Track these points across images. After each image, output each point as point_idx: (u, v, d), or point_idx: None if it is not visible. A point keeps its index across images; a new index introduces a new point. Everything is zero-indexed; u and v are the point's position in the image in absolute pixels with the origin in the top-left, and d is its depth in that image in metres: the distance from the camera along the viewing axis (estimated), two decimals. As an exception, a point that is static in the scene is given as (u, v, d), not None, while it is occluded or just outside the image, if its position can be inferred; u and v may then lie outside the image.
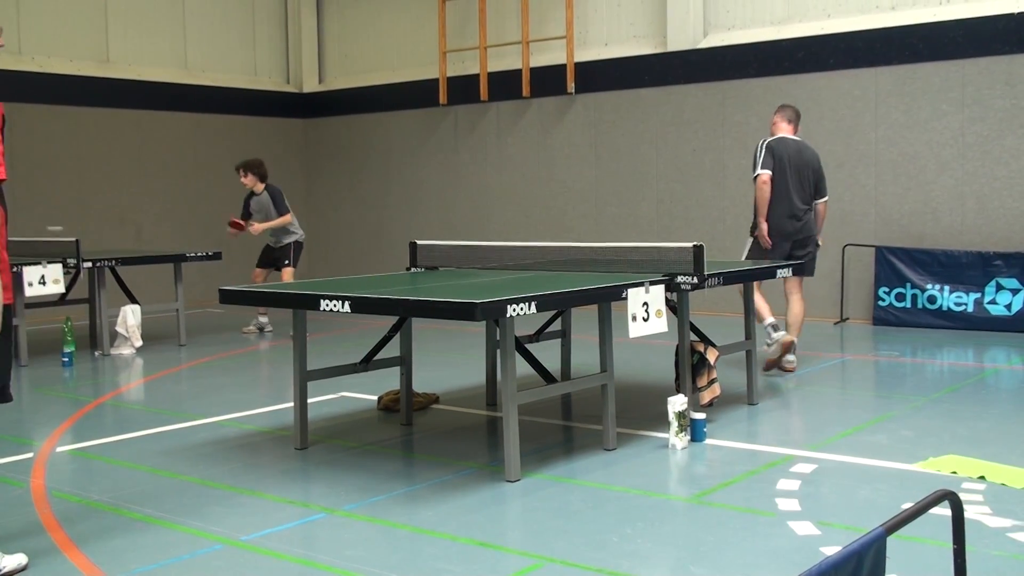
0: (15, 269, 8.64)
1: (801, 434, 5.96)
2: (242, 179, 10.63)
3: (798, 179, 7.93)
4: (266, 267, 10.85)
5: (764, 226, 7.82)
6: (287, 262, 10.64)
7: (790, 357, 7.77)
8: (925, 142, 10.42)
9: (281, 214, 10.49)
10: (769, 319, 7.87)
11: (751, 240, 8.06)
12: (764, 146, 7.91)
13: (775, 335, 7.79)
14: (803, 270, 7.61)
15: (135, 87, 13.61)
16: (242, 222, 10.57)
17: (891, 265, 10.42)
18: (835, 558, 1.93)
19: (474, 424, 6.52)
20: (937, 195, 10.38)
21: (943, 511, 2.50)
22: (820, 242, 8.22)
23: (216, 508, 4.65)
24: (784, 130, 8.08)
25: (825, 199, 8.15)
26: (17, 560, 3.88)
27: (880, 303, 10.50)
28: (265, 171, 10.66)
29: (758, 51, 11.44)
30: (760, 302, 7.77)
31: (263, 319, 10.95)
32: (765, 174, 7.80)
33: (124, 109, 13.46)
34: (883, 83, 10.64)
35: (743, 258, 8.09)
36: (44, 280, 8.65)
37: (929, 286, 10.18)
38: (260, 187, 10.60)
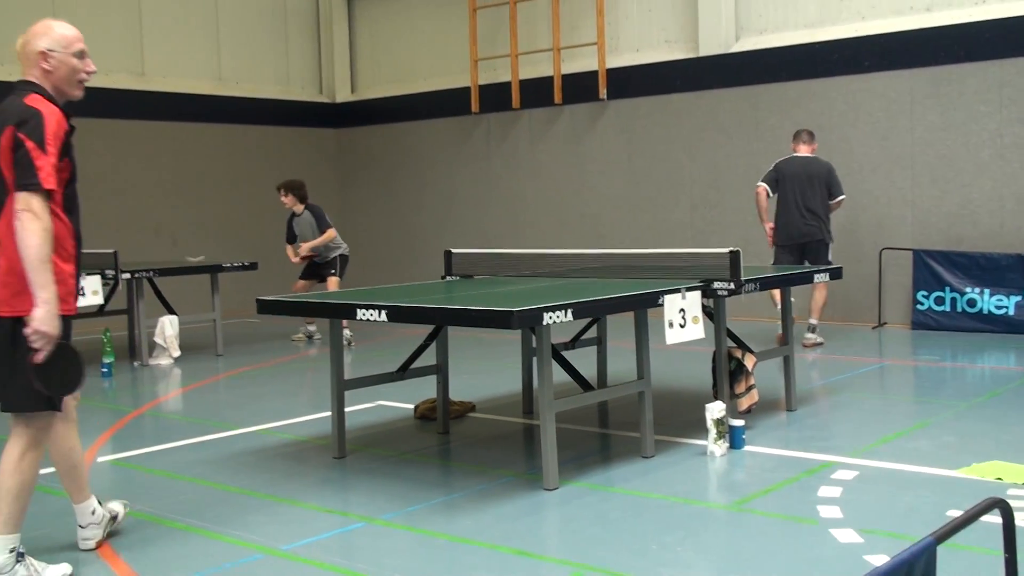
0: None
1: (841, 440, 5.90)
2: (282, 198, 10.71)
3: (804, 191, 9.33)
4: (309, 278, 10.92)
5: (767, 227, 9.55)
6: (333, 271, 10.71)
7: (809, 336, 9.43)
8: (962, 144, 10.31)
9: (323, 231, 10.55)
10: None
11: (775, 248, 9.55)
12: (774, 165, 9.55)
13: (808, 336, 9.47)
14: (839, 274, 7.56)
15: (170, 99, 13.75)
16: (303, 256, 10.68)
17: (929, 268, 10.30)
18: (885, 568, 1.91)
19: (511, 432, 6.51)
20: (975, 197, 10.26)
21: (992, 519, 2.47)
22: (832, 235, 9.54)
23: (256, 517, 4.67)
24: (800, 151, 9.54)
25: (839, 198, 9.53)
26: (61, 570, 3.92)
27: (919, 307, 10.39)
28: (305, 192, 10.74)
29: (791, 54, 11.37)
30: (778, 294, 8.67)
31: (311, 327, 11.06)
32: (760, 186, 9.56)
33: (159, 121, 13.60)
34: (919, 85, 10.54)
35: (772, 264, 9.31)
36: (83, 291, 8.73)
37: (969, 289, 10.06)
38: (300, 207, 10.67)
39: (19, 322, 3.69)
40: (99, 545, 4.26)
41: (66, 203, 3.83)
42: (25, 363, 3.67)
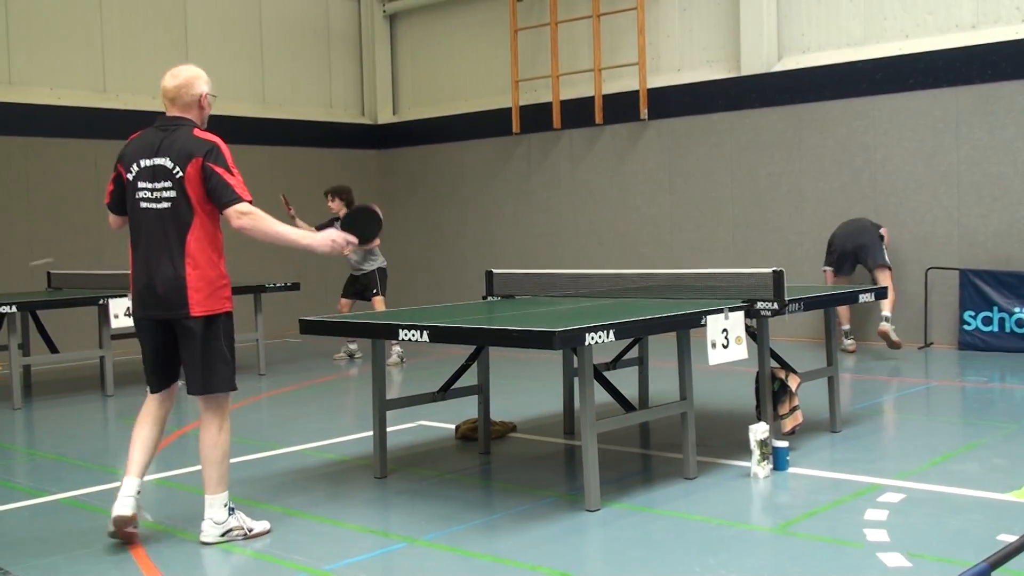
0: (101, 301, 8.88)
1: (888, 462, 5.82)
2: (329, 203, 10.85)
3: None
4: (352, 297, 10.98)
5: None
6: (375, 291, 10.75)
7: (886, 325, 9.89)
8: (1010, 162, 10.17)
9: None
10: (845, 325, 10.43)
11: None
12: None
13: (846, 341, 10.38)
14: (884, 294, 7.43)
15: (215, 121, 13.62)
16: (288, 201, 10.79)
17: (976, 288, 10.16)
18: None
19: (552, 453, 6.49)
20: (1023, 216, 10.12)
21: (1045, 544, 2.42)
22: (883, 234, 10.37)
23: (299, 537, 4.69)
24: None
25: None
26: (263, 526, 4.59)
27: (965, 327, 10.24)
28: (352, 197, 10.90)
29: (835, 73, 11.30)
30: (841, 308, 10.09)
31: (352, 346, 11.13)
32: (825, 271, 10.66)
33: (205, 143, 13.75)
34: (964, 103, 10.43)
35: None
36: (129, 312, 8.82)
37: (1017, 309, 9.90)
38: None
39: (211, 319, 4.52)
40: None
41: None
42: (215, 353, 4.52)
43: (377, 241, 10.65)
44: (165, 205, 4.48)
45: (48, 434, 7.67)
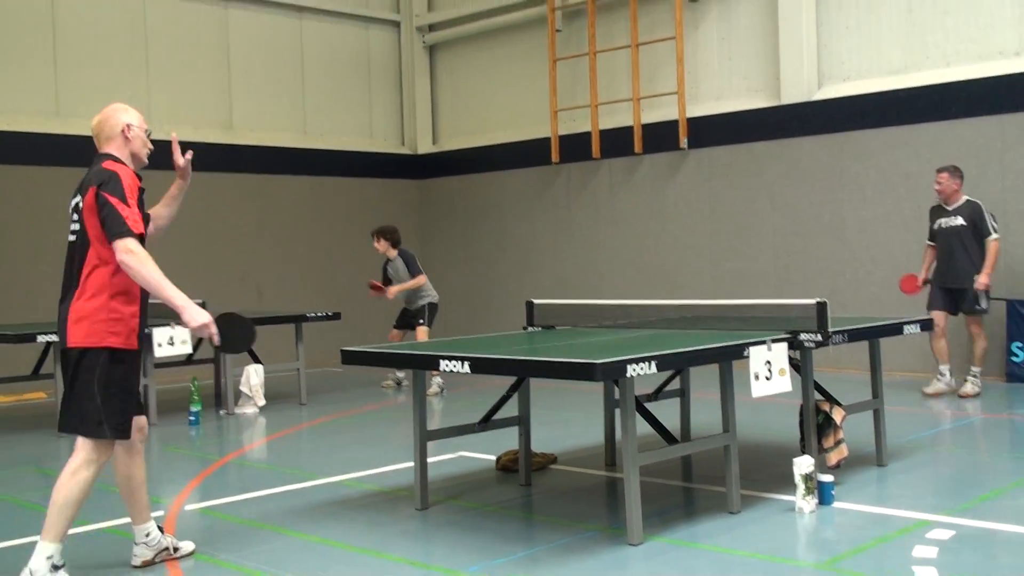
0: (147, 330, 8.95)
1: (936, 498, 5.72)
2: (375, 244, 10.91)
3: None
4: (403, 328, 11.11)
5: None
6: (421, 321, 10.81)
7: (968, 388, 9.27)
8: (1057, 190, 10.04)
9: (414, 276, 10.69)
10: (943, 364, 9.45)
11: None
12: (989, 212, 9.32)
13: (943, 380, 9.41)
14: (929, 325, 7.30)
15: (257, 152, 14.08)
16: (381, 285, 10.83)
17: (1024, 319, 9.99)
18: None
19: (593, 485, 6.44)
20: (1071, 245, 9.96)
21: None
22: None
23: (340, 568, 4.68)
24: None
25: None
26: None
27: (1014, 359, 10.07)
28: (398, 237, 10.93)
29: (876, 101, 11.22)
30: (940, 349, 9.38)
31: (400, 374, 11.20)
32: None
33: (246, 173, 13.93)
34: (1009, 130, 10.31)
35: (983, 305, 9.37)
36: (172, 341, 8.93)
37: (1066, 340, 9.72)
38: (393, 252, 10.85)
39: (85, 353, 4.33)
40: (145, 564, 4.69)
41: None
42: (81, 390, 4.32)
43: (423, 278, 10.73)
44: (73, 237, 4.45)
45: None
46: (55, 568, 4.27)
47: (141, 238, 4.33)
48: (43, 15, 12.34)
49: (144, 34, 13.11)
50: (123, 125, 4.57)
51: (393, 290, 10.75)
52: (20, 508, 6.18)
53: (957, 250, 9.28)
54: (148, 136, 4.69)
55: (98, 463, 4.38)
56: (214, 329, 4.39)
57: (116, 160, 4.49)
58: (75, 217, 4.45)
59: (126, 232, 4.24)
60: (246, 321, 4.64)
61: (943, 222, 9.37)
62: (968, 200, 9.32)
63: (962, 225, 9.24)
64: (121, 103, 4.70)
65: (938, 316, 9.23)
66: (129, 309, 4.40)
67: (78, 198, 4.45)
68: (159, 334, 8.84)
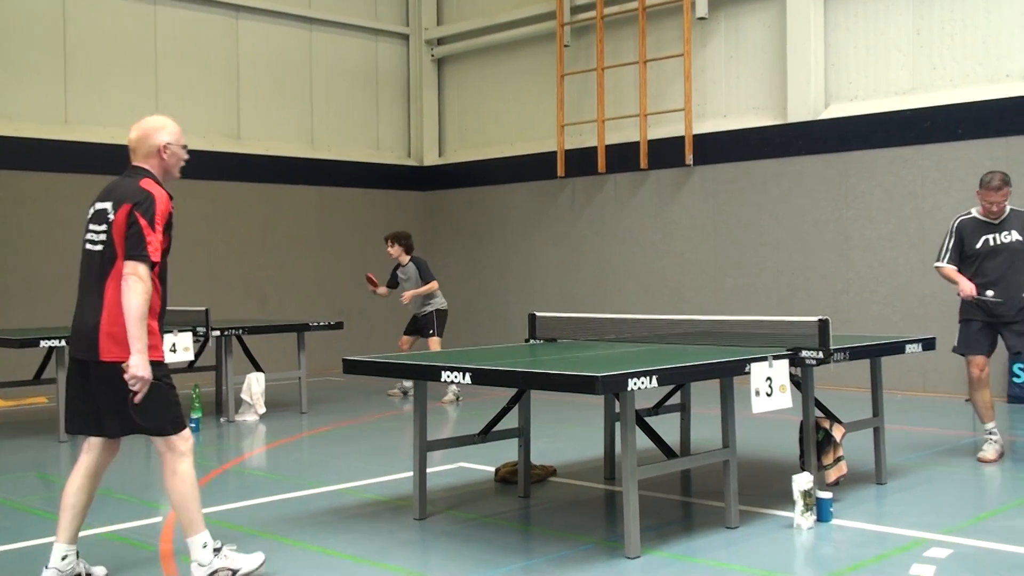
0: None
1: (934, 516, 5.71)
2: (388, 249, 11.00)
3: None
4: (412, 335, 11.19)
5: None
6: (431, 331, 10.89)
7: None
8: (1061, 213, 10.02)
9: (427, 282, 10.79)
10: (990, 423, 7.41)
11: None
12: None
13: (993, 439, 7.35)
14: (931, 345, 7.26)
15: (264, 161, 14.14)
16: (376, 280, 10.91)
17: (1027, 340, 9.91)
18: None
19: (592, 498, 6.44)
20: (1075, 268, 9.93)
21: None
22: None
23: (336, 577, 4.68)
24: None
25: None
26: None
27: (1015, 379, 10.06)
28: (411, 243, 11.10)
29: (882, 121, 11.24)
30: (986, 402, 7.37)
31: (407, 383, 11.21)
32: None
33: (253, 183, 13.98)
34: (1015, 152, 10.31)
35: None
36: (175, 348, 8.94)
37: (1069, 363, 9.68)
38: (406, 259, 10.97)
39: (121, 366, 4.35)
40: None
41: (161, 272, 4.52)
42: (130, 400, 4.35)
43: (435, 284, 10.83)
44: (99, 248, 4.48)
45: (92, 467, 7.72)
46: (216, 551, 4.49)
47: (155, 265, 4.39)
48: (54, 23, 12.42)
49: (154, 44, 13.18)
50: (161, 145, 4.61)
51: (408, 295, 10.84)
52: (19, 512, 6.19)
53: (1019, 271, 7.18)
54: (184, 150, 4.72)
55: (181, 451, 4.50)
56: (142, 390, 4.31)
57: (153, 179, 4.55)
58: (98, 226, 4.48)
59: (143, 257, 4.33)
60: (172, 408, 4.55)
61: (993, 238, 7.25)
62: (1014, 210, 7.35)
63: (1019, 240, 7.20)
64: (161, 117, 4.72)
65: (980, 361, 7.32)
66: (154, 323, 4.49)
67: (106, 204, 4.48)
68: (168, 340, 8.83)
